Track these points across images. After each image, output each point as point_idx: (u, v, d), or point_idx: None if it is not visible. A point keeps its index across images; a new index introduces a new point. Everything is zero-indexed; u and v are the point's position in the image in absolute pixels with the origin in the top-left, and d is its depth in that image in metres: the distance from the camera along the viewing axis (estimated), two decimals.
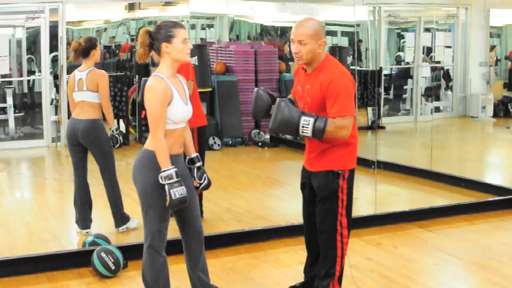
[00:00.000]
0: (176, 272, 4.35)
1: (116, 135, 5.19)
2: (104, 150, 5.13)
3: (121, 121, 10.17)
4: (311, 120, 3.30)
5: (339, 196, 3.49)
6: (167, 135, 3.23)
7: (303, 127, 3.31)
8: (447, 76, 12.04)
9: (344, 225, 3.53)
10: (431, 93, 11.60)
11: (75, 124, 5.04)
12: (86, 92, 5.00)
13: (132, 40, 11.99)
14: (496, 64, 12.48)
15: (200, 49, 9.38)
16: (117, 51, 11.61)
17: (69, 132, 5.09)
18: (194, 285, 3.61)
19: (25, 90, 11.08)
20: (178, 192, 3.17)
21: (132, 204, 6.21)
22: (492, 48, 12.48)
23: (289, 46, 3.60)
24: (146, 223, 3.36)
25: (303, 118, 3.32)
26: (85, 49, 5.01)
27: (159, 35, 3.25)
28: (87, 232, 5.07)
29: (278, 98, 3.44)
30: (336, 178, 3.47)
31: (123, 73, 10.47)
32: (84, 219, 5.14)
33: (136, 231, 5.25)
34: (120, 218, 5.25)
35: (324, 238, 3.58)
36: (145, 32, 3.29)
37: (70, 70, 10.30)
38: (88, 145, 5.09)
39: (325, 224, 3.56)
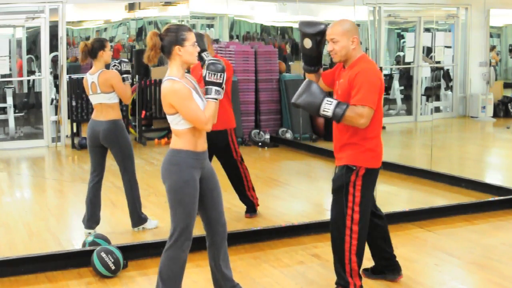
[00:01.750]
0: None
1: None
2: (124, 150, 5.14)
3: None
4: (334, 102, 3.47)
5: (349, 190, 3.59)
6: (191, 134, 3.33)
7: (325, 106, 3.45)
8: (447, 76, 12.04)
9: (355, 221, 3.60)
10: (431, 93, 11.60)
11: (95, 125, 5.06)
12: (100, 95, 5.00)
13: (132, 40, 11.99)
14: (496, 64, 12.47)
15: None
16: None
17: (90, 133, 5.10)
18: (217, 282, 3.63)
19: (25, 90, 11.09)
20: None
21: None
22: (493, 48, 12.48)
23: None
24: (173, 220, 3.40)
25: (327, 99, 3.48)
26: (92, 50, 4.99)
27: (171, 38, 3.30)
28: (89, 233, 5.07)
29: (307, 78, 3.60)
30: (349, 173, 3.58)
31: None
32: (91, 219, 5.15)
33: (135, 232, 5.24)
34: (137, 218, 5.25)
35: (334, 231, 3.70)
36: (155, 34, 3.31)
37: (70, 70, 10.32)
38: (108, 145, 5.11)
39: (334, 217, 3.69)
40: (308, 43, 3.71)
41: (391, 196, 6.52)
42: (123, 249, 4.42)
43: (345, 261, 3.65)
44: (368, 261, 4.08)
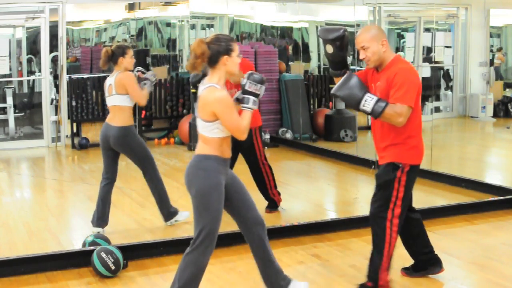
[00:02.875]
0: (175, 272, 4.35)
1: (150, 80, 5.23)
2: (139, 155, 5.18)
3: None
4: (374, 98, 3.53)
5: (394, 186, 3.71)
6: (220, 142, 3.38)
7: (365, 101, 3.52)
8: (447, 76, 12.04)
9: (396, 214, 3.73)
10: (431, 93, 11.59)
11: (107, 129, 5.10)
12: (115, 96, 5.04)
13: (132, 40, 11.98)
14: (499, 65, 12.46)
15: None
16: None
17: (102, 136, 5.15)
18: (268, 276, 3.67)
19: (25, 90, 11.09)
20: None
21: (131, 204, 6.22)
22: (499, 49, 12.48)
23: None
24: (198, 224, 3.41)
25: (368, 94, 3.55)
26: (113, 56, 5.03)
27: (220, 47, 3.34)
28: (98, 232, 5.11)
29: (349, 71, 3.69)
30: (395, 170, 3.71)
31: None
32: (99, 219, 5.18)
33: (135, 232, 5.25)
34: (166, 213, 5.32)
35: (374, 224, 3.80)
36: (202, 42, 3.33)
37: (70, 70, 10.31)
38: (120, 151, 5.16)
39: (377, 210, 3.78)
40: (329, 48, 3.80)
41: None
42: (123, 249, 4.42)
43: (384, 253, 3.75)
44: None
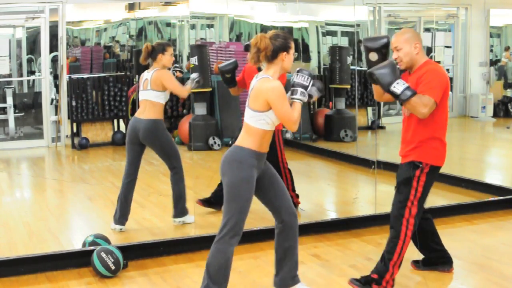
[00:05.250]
0: (176, 272, 4.36)
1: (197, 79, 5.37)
2: (166, 149, 5.22)
3: (121, 121, 10.17)
4: (406, 84, 3.62)
5: (413, 184, 3.79)
6: (262, 135, 3.49)
7: (397, 83, 3.60)
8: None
9: (413, 214, 3.80)
10: None
11: (136, 123, 5.14)
12: (149, 91, 5.10)
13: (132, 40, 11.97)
14: (495, 64, 12.47)
15: (200, 49, 9.37)
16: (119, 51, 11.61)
17: (130, 130, 5.19)
18: (282, 268, 3.74)
19: (25, 90, 11.09)
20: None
21: (132, 204, 6.22)
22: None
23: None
24: (226, 214, 3.50)
25: (400, 80, 3.64)
26: (153, 52, 5.10)
27: (279, 43, 3.47)
28: (120, 229, 5.15)
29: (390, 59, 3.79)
30: (414, 169, 3.80)
31: (123, 73, 10.46)
32: (122, 216, 5.21)
33: (135, 232, 5.25)
34: (180, 210, 5.35)
35: (392, 221, 3.86)
36: (266, 37, 3.45)
37: (70, 70, 10.32)
38: (149, 144, 5.19)
39: (395, 207, 3.87)
40: (373, 56, 3.90)
41: (391, 196, 6.49)
42: (123, 249, 4.42)
43: (397, 249, 3.79)
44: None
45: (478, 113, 11.59)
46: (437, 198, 6.45)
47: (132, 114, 10.12)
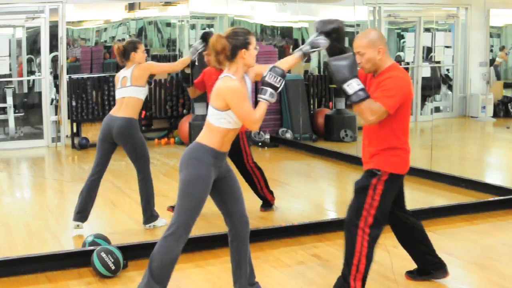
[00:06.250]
0: (176, 272, 4.34)
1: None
2: (138, 150, 5.17)
3: None
4: (361, 86, 3.45)
5: (369, 193, 3.58)
6: (224, 133, 3.41)
7: (351, 83, 3.43)
8: (447, 76, 12.04)
9: (369, 223, 3.58)
10: (431, 93, 11.60)
11: (110, 121, 5.09)
12: (129, 88, 5.05)
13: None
14: (500, 63, 12.47)
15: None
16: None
17: (104, 128, 5.13)
18: (238, 277, 3.63)
19: (25, 90, 11.08)
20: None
21: (131, 204, 6.22)
22: (502, 48, 12.48)
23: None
24: (177, 211, 3.43)
25: (356, 79, 3.46)
26: (125, 52, 5.06)
27: (238, 41, 3.38)
28: (77, 225, 5.10)
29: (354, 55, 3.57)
30: (371, 177, 3.60)
31: None
32: (79, 212, 5.13)
33: (135, 232, 5.25)
34: (149, 215, 5.29)
35: (346, 231, 3.67)
36: (221, 37, 3.36)
37: (70, 70, 10.32)
38: (121, 143, 5.12)
39: (349, 216, 3.68)
40: (321, 38, 3.72)
41: None
42: (123, 249, 4.42)
43: (353, 261, 3.59)
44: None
45: (478, 113, 11.59)
46: (437, 198, 6.46)
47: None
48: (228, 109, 3.35)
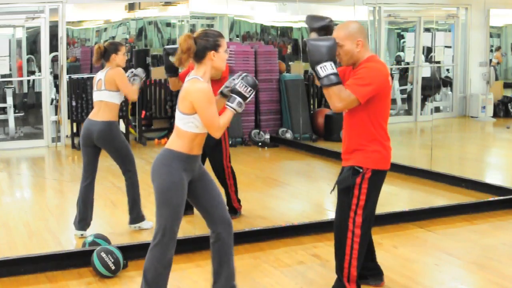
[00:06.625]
0: (176, 272, 4.35)
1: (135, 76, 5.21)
2: (121, 152, 5.12)
3: (121, 121, 10.16)
4: (335, 71, 3.34)
5: (354, 193, 3.52)
6: (192, 138, 3.33)
7: (325, 66, 3.32)
8: (447, 77, 12.04)
9: (357, 224, 3.54)
10: (431, 93, 11.59)
11: (90, 125, 5.04)
12: (103, 92, 5.00)
13: (132, 40, 11.98)
14: (496, 64, 12.47)
15: None
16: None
17: (84, 133, 5.08)
18: (218, 279, 3.59)
19: (25, 90, 11.09)
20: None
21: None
22: (498, 48, 12.49)
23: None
24: (159, 220, 3.39)
25: (331, 63, 3.35)
26: (106, 53, 5.01)
27: (207, 43, 3.30)
28: (82, 235, 5.05)
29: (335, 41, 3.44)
30: (354, 175, 3.52)
31: None
32: (82, 221, 5.11)
33: (135, 232, 5.25)
34: (135, 215, 5.27)
35: (336, 233, 3.64)
36: (190, 37, 3.30)
37: (70, 70, 10.32)
38: (103, 146, 5.09)
39: (337, 218, 3.63)
40: (314, 36, 3.65)
41: (391, 196, 6.51)
42: (123, 249, 4.42)
43: (344, 265, 3.60)
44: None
45: (478, 113, 11.59)
46: (437, 198, 6.47)
47: (132, 114, 10.19)
48: (194, 112, 3.27)
